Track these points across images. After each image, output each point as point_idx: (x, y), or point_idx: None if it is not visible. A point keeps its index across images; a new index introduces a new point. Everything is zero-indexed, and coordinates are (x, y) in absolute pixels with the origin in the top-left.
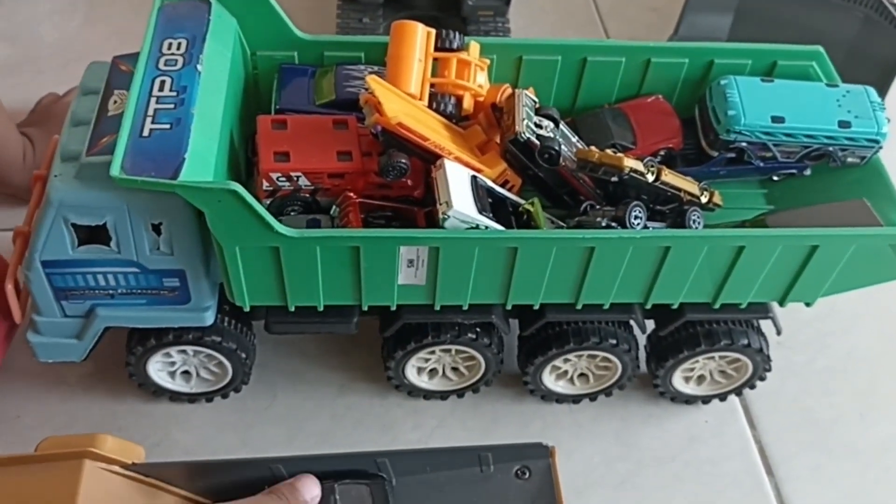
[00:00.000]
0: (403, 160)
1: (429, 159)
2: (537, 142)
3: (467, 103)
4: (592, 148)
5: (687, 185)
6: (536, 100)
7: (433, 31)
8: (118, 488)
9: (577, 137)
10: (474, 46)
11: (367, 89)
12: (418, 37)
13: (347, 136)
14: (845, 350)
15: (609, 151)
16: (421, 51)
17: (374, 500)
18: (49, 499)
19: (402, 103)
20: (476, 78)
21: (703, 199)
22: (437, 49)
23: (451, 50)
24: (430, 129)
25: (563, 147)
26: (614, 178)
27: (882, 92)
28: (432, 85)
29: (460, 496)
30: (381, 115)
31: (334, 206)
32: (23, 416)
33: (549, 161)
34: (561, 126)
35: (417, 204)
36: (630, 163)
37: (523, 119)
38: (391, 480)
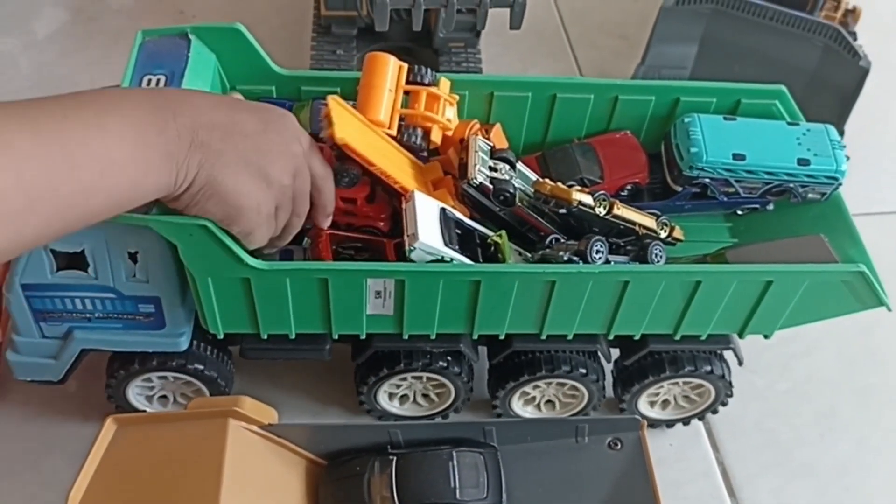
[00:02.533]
0: (355, 169)
1: (392, 192)
2: (490, 185)
3: (435, 136)
4: (546, 180)
5: (643, 219)
6: (492, 143)
7: (406, 65)
8: (256, 446)
9: (535, 177)
10: (444, 82)
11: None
12: (390, 68)
13: None
14: (806, 373)
15: (565, 185)
16: (392, 81)
17: (487, 466)
18: (199, 452)
19: (357, 126)
20: (445, 112)
21: (663, 234)
22: (408, 83)
23: (422, 84)
24: (381, 156)
25: (520, 187)
26: (563, 210)
27: (841, 120)
28: (402, 116)
29: (558, 464)
30: (332, 131)
31: (305, 238)
32: None
33: (504, 203)
34: (518, 166)
35: (385, 235)
36: (579, 196)
37: (476, 164)
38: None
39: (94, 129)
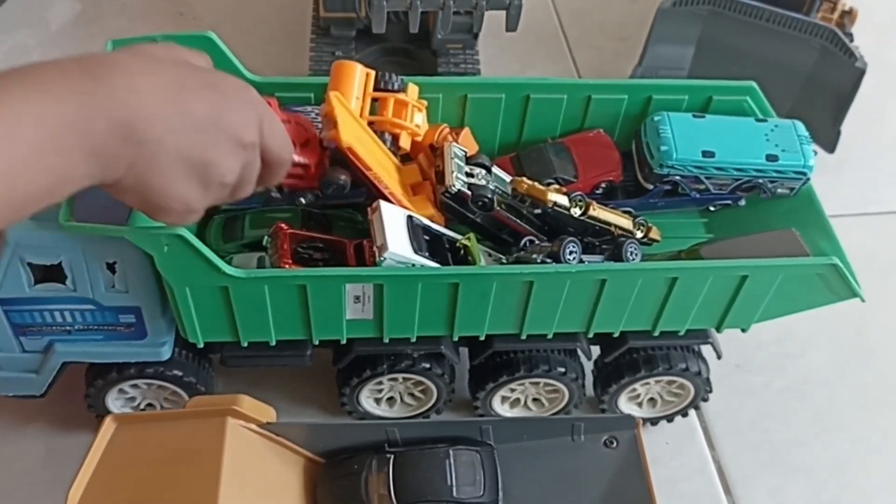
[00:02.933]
0: (343, 177)
1: (361, 183)
2: (468, 192)
3: (404, 142)
4: (524, 179)
5: (618, 219)
6: (466, 150)
7: (372, 72)
8: (254, 444)
9: (510, 178)
10: (412, 88)
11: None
12: (356, 76)
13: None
14: (802, 372)
15: (542, 185)
16: (359, 89)
17: (483, 464)
18: (198, 450)
19: (357, 129)
20: (413, 118)
21: (639, 234)
22: (375, 89)
23: (389, 91)
24: (375, 161)
25: (497, 191)
26: (538, 211)
27: (838, 121)
28: (370, 123)
29: (554, 463)
30: (337, 134)
31: (266, 237)
32: None
33: (483, 208)
34: (494, 170)
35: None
36: (554, 197)
37: (452, 171)
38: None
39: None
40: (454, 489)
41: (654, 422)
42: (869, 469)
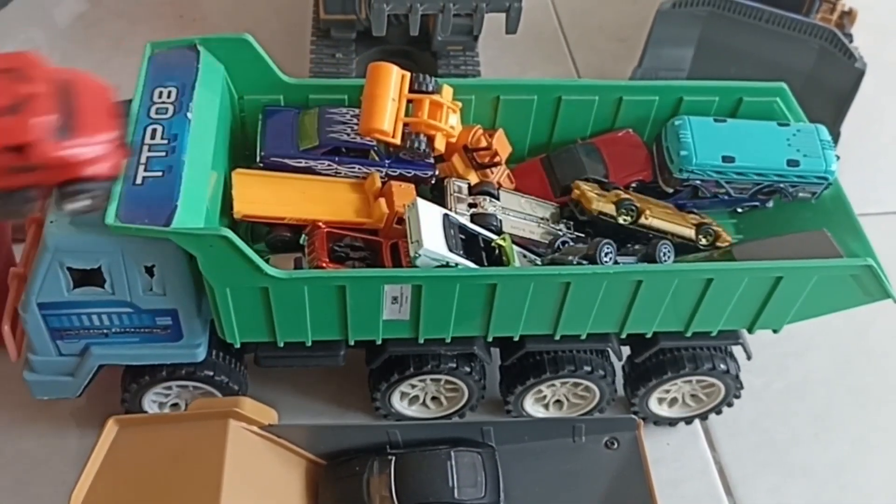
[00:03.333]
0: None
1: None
2: (472, 224)
3: (439, 143)
4: (580, 184)
5: (676, 227)
6: (469, 180)
7: (408, 73)
8: (256, 446)
9: (519, 196)
10: (447, 90)
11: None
12: (392, 78)
13: None
14: (801, 373)
15: (590, 188)
16: (395, 91)
17: (485, 466)
18: (200, 451)
19: (263, 189)
20: (448, 119)
21: (703, 242)
22: (411, 91)
23: (425, 92)
24: (294, 204)
25: (505, 215)
26: (584, 218)
27: (837, 121)
28: (406, 124)
29: (555, 464)
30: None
31: (304, 235)
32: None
33: (495, 232)
34: (501, 194)
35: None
36: (598, 206)
37: (452, 209)
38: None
39: None
40: (455, 490)
41: (687, 421)
42: (869, 469)
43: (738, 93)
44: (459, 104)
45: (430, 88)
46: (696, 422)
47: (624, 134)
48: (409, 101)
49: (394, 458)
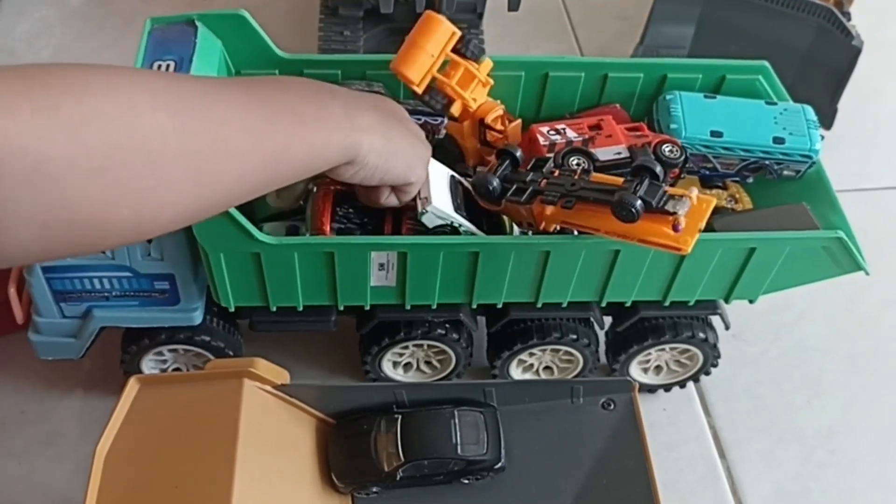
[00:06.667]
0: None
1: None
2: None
3: (455, 108)
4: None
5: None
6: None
7: (458, 32)
8: (269, 404)
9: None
10: (486, 64)
11: None
12: (439, 32)
13: None
14: (795, 341)
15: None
16: (437, 46)
17: (487, 425)
18: (217, 409)
19: None
20: (474, 91)
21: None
22: (454, 50)
23: (464, 56)
24: None
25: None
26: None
27: (835, 98)
28: (434, 79)
29: (554, 424)
30: None
31: (311, 185)
32: (27, 412)
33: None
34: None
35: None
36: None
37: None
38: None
39: (280, 91)
40: (459, 447)
41: (666, 388)
42: (858, 434)
43: (721, 70)
44: (491, 81)
45: (470, 55)
46: (692, 388)
47: (611, 108)
48: (447, 60)
49: (400, 416)
